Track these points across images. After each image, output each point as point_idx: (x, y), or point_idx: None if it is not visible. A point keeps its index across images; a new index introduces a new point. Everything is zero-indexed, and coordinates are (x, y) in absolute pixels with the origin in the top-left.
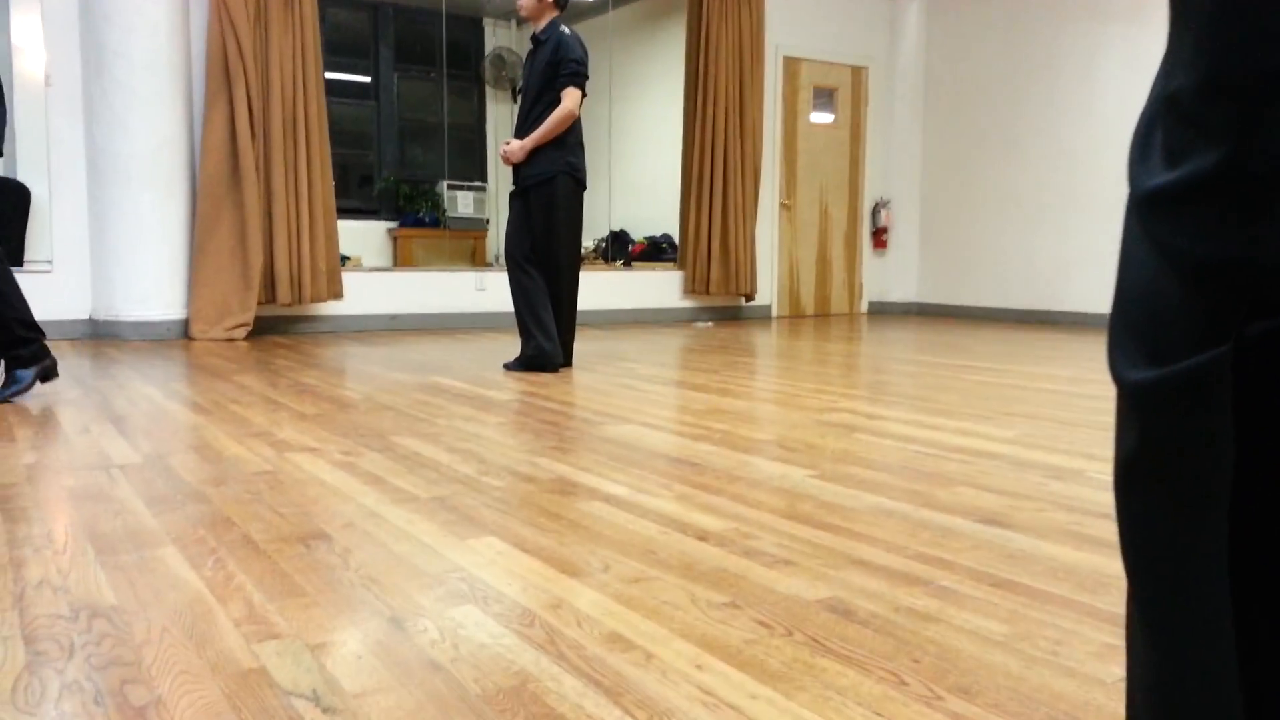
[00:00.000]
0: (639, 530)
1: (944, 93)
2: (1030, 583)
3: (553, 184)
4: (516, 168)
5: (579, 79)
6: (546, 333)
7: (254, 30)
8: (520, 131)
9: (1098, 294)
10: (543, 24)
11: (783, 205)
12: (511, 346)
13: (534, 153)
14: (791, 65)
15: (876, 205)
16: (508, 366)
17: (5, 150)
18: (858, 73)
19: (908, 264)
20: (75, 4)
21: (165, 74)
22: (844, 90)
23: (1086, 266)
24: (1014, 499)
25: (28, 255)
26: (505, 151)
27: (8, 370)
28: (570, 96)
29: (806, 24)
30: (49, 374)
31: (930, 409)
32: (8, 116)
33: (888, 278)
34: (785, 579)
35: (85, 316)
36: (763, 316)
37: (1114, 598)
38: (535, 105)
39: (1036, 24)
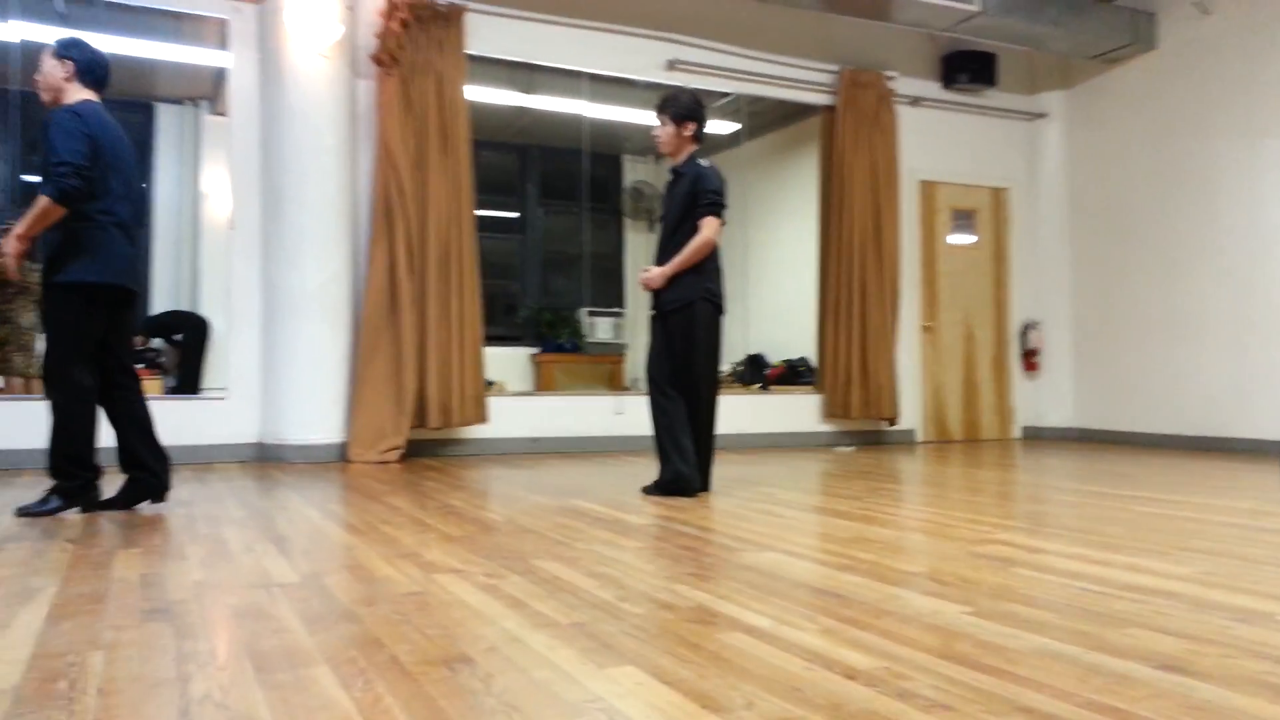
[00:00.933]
0: (782, 665)
1: (1091, 211)
2: None
3: (692, 309)
4: (656, 293)
5: (717, 208)
6: (685, 457)
7: (414, 173)
8: (660, 259)
9: (1278, 419)
10: (682, 157)
11: (924, 327)
12: (649, 470)
13: (673, 279)
14: (928, 188)
15: (1025, 326)
16: (646, 490)
17: (189, 284)
18: (998, 194)
19: (1063, 387)
20: (257, 155)
21: (335, 215)
22: (984, 212)
23: (1264, 389)
24: (1196, 643)
25: (206, 383)
26: (645, 278)
27: (50, 489)
28: (709, 225)
29: (941, 148)
30: (85, 509)
31: (1096, 542)
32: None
33: (1042, 401)
34: None
35: (254, 440)
36: (907, 441)
37: None
38: (675, 234)
39: (1186, 139)
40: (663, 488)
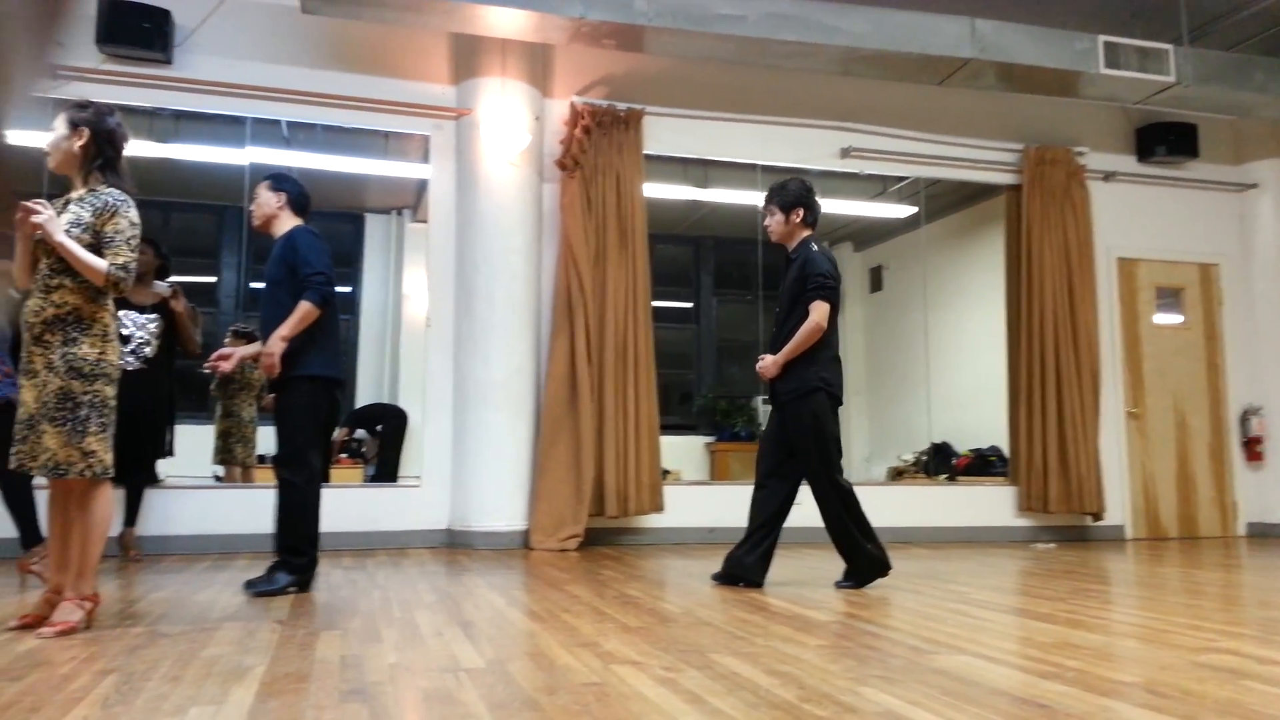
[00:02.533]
0: None
1: None
2: None
3: (806, 400)
4: (772, 382)
5: (825, 291)
6: (747, 546)
7: (594, 268)
8: (774, 347)
9: None
10: (794, 243)
11: (1130, 414)
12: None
13: (788, 367)
14: (1127, 266)
15: (1246, 412)
16: (715, 578)
17: (389, 378)
18: (1207, 270)
19: None
20: (452, 258)
21: (520, 311)
22: (1192, 289)
23: None
24: None
25: (402, 471)
26: (760, 366)
27: (272, 568)
28: (817, 310)
29: (1141, 224)
30: (302, 588)
31: None
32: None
33: (1269, 495)
34: None
35: (444, 526)
36: (1115, 538)
37: None
38: (787, 320)
39: None
40: (724, 578)
